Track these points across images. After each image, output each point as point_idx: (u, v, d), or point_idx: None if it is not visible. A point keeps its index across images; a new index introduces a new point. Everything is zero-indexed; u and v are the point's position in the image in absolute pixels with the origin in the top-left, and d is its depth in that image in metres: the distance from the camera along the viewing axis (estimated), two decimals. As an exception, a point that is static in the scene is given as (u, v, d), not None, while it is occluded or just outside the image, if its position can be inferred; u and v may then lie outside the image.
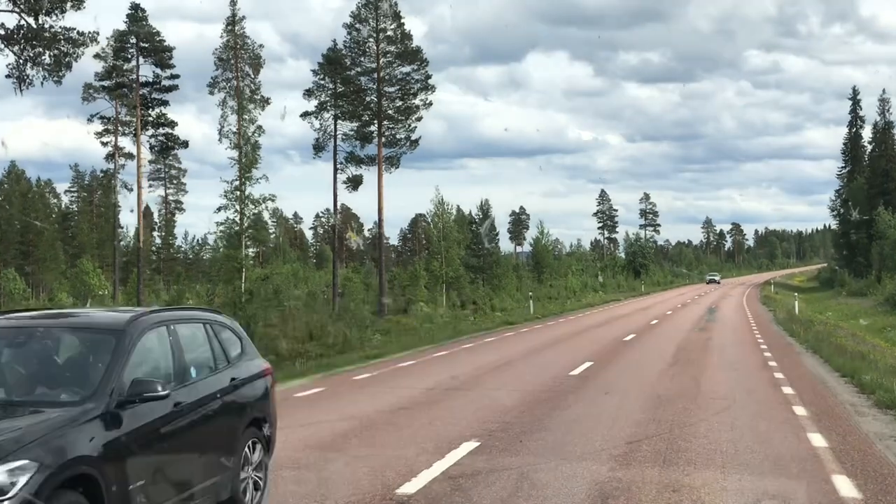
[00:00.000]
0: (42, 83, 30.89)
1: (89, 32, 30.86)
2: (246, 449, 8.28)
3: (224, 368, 8.34)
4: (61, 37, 30.38)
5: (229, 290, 40.33)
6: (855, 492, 9.00)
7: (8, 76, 30.50)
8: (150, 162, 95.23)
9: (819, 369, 21.48)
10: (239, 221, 39.96)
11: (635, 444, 11.50)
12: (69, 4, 30.16)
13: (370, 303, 56.24)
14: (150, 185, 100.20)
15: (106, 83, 52.85)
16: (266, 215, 42.07)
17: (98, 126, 55.15)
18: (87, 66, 62.26)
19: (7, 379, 6.93)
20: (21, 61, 30.52)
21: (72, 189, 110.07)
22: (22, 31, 30.28)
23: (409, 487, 8.90)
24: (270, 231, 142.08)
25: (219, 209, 40.06)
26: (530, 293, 62.55)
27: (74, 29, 30.51)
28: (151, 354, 7.38)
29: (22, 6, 30.06)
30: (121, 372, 6.60)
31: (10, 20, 30.18)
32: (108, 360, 6.74)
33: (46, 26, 30.30)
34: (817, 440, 11.85)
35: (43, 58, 30.72)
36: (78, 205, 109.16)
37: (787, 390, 17.18)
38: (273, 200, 41.59)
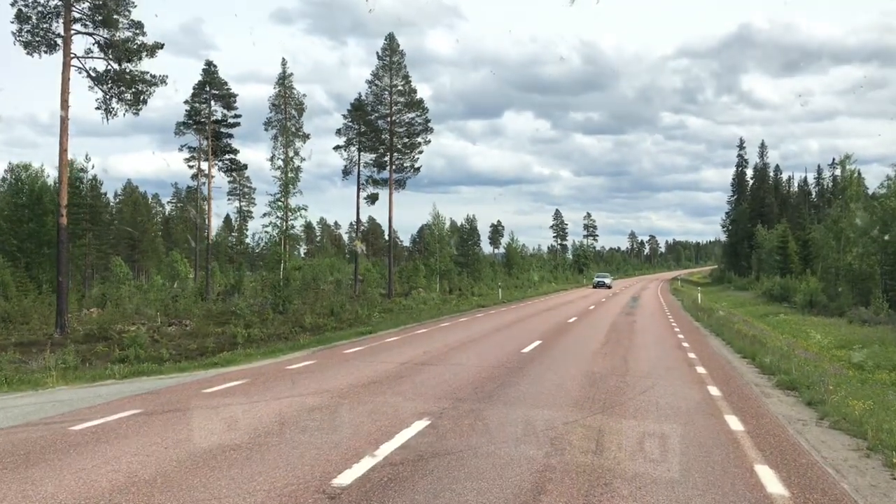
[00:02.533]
0: (124, 114, 28.59)
1: (160, 75, 28.50)
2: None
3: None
4: (138, 78, 28.01)
5: (272, 276, 38.32)
6: (781, 488, 6.53)
7: (97, 108, 28.25)
8: (229, 182, 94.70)
9: (723, 350, 18.93)
10: (279, 225, 37.80)
11: (571, 423, 9.00)
12: (144, 54, 27.82)
13: (382, 288, 54.08)
14: (229, 199, 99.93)
15: (189, 121, 51.16)
16: (301, 221, 39.64)
17: (186, 154, 53.63)
18: (180, 108, 60.59)
19: None
20: (108, 97, 28.21)
21: (172, 201, 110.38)
22: (109, 74, 27.99)
23: (347, 477, 6.37)
24: (315, 234, 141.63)
25: (264, 215, 38.38)
26: (499, 283, 60.16)
27: (148, 72, 28.18)
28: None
29: (110, 55, 27.76)
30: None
31: (101, 65, 28.04)
32: None
33: (127, 70, 27.96)
34: (734, 423, 9.35)
35: (125, 95, 28.40)
36: (175, 212, 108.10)
37: (701, 370, 14.63)
38: (306, 209, 39.61)
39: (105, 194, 70.80)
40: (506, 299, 47.44)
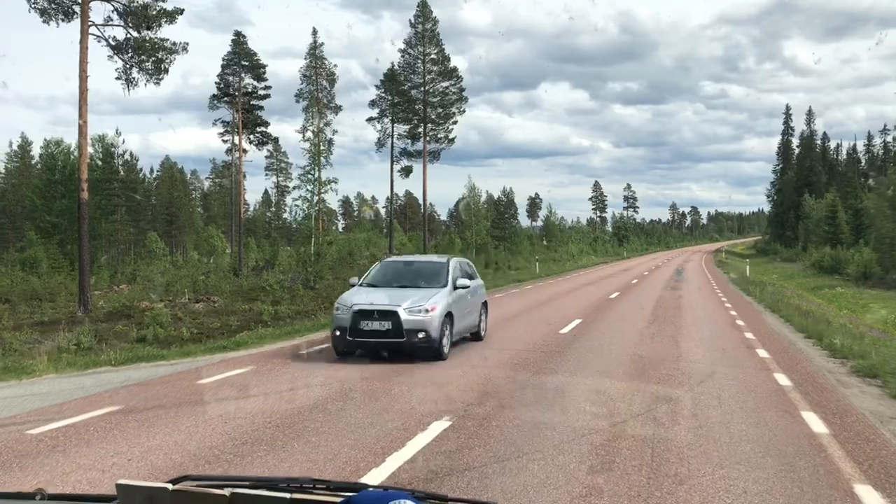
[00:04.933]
0: (146, 84, 27.38)
1: (180, 42, 27.23)
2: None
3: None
4: (158, 46, 26.79)
5: (301, 251, 37.24)
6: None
7: (117, 79, 27.20)
8: (266, 157, 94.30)
9: (783, 329, 17.12)
10: (309, 198, 36.58)
11: (619, 426, 7.50)
12: (164, 20, 26.56)
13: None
14: (266, 174, 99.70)
15: (221, 94, 50.01)
16: (332, 195, 38.47)
17: (220, 128, 52.58)
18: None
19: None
20: (128, 67, 27.09)
21: (209, 176, 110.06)
22: (128, 43, 26.83)
23: None
24: (353, 209, 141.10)
25: (294, 188, 37.07)
26: (536, 257, 58.43)
27: (168, 39, 26.93)
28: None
29: (129, 22, 26.58)
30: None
31: (120, 33, 26.83)
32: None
33: (147, 38, 26.77)
34: (815, 423, 7.75)
35: (146, 64, 27.24)
36: (213, 187, 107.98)
37: (762, 353, 12.93)
38: (336, 182, 38.25)
39: (141, 170, 70.49)
40: (544, 273, 45.75)
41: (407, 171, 51.90)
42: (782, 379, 10.39)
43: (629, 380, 10.13)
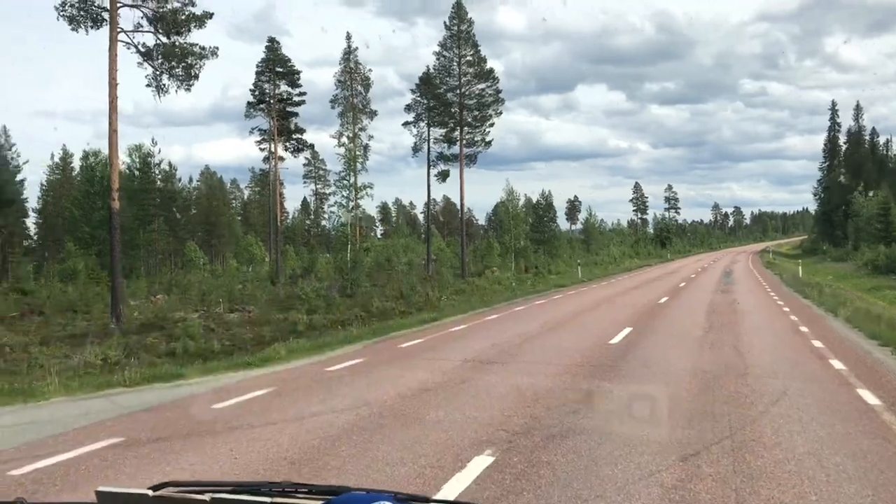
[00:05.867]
0: (176, 91, 26.85)
1: (210, 47, 26.62)
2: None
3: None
4: (188, 51, 26.19)
5: (338, 258, 36.49)
6: None
7: (148, 85, 26.70)
8: (304, 165, 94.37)
9: (852, 335, 15.66)
10: (345, 204, 35.82)
11: (691, 460, 6.36)
12: (193, 24, 25.96)
13: (455, 268, 51.78)
14: (304, 182, 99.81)
15: (257, 102, 49.57)
16: (368, 201, 37.61)
17: (257, 136, 52.14)
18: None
19: None
20: (158, 73, 26.53)
21: (249, 185, 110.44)
22: (158, 49, 26.28)
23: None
24: (391, 215, 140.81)
25: (330, 194, 36.30)
26: (578, 260, 56.98)
27: (197, 44, 26.32)
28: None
29: (159, 28, 26.04)
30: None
31: (149, 40, 26.27)
32: None
33: (177, 43, 26.20)
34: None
35: (176, 70, 26.67)
36: (252, 196, 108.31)
37: (837, 365, 11.60)
38: (372, 188, 37.48)
39: (180, 179, 70.62)
40: (586, 277, 44.34)
41: (444, 176, 50.91)
42: (868, 396, 9.10)
43: (694, 400, 8.94)
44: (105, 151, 52.76)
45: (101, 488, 1.79)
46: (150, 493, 1.77)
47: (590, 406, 8.57)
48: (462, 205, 50.83)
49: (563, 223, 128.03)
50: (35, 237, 65.74)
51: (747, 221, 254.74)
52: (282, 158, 52.55)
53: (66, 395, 9.87)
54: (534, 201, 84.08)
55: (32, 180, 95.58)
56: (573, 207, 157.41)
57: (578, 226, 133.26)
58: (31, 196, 65.06)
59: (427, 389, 9.52)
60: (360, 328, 17.90)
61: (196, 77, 26.72)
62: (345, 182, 36.28)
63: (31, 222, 65.84)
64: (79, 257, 42.25)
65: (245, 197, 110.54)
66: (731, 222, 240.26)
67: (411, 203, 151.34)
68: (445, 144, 50.56)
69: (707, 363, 11.75)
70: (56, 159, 68.11)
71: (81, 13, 24.64)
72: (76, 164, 66.09)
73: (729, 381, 10.11)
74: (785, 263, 61.47)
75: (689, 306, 23.05)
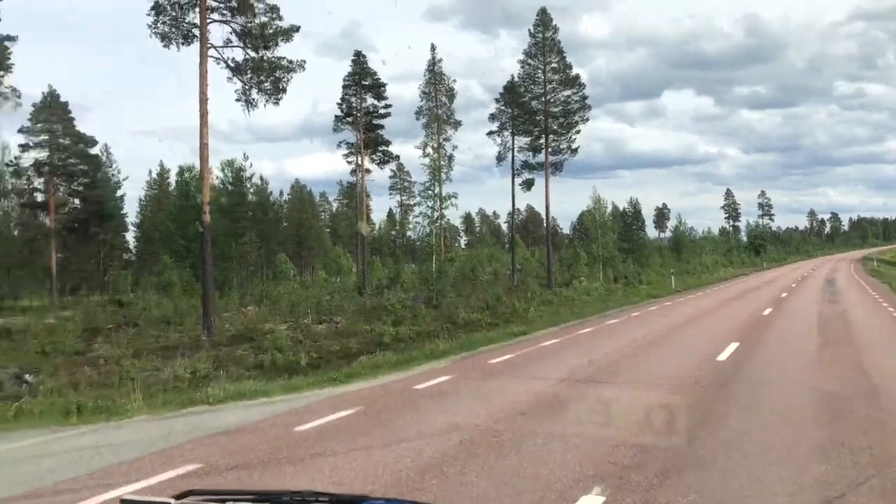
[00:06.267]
0: (265, 105, 27.00)
1: (297, 60, 26.66)
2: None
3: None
4: (276, 65, 26.29)
5: (423, 269, 36.10)
6: None
7: (237, 100, 26.92)
8: (390, 177, 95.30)
9: None
10: (430, 214, 35.41)
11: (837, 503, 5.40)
12: (281, 38, 26.04)
13: (541, 278, 50.71)
14: (390, 194, 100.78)
15: (344, 116, 50.03)
16: (453, 211, 37.11)
17: (344, 150, 52.62)
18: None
19: None
20: (247, 88, 26.74)
21: (337, 198, 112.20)
22: (247, 63, 26.48)
23: None
24: (475, 225, 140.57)
25: (415, 205, 36.05)
26: (672, 270, 54.98)
27: (285, 58, 26.39)
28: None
29: (247, 43, 26.25)
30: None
31: (239, 55, 26.49)
32: None
33: (265, 57, 26.34)
34: None
35: (264, 84, 26.82)
36: (340, 208, 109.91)
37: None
38: (456, 197, 37.03)
39: (271, 193, 71.97)
40: (680, 288, 42.57)
41: (528, 184, 50.12)
42: None
43: (823, 428, 7.88)
44: (198, 166, 54.34)
45: (125, 496, 1.76)
46: (174, 501, 1.76)
47: (704, 434, 7.63)
48: (547, 213, 49.86)
49: (650, 231, 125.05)
50: (134, 250, 68.16)
51: (845, 228, 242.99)
52: (368, 171, 52.84)
53: (149, 414, 9.55)
54: (620, 209, 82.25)
55: (131, 196, 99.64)
56: (661, 215, 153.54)
57: (667, 234, 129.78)
58: (131, 211, 67.55)
59: (522, 412, 8.75)
60: (447, 341, 17.22)
61: (284, 91, 26.81)
62: (429, 192, 35.89)
63: (130, 236, 68.34)
64: (174, 270, 43.26)
65: (333, 209, 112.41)
66: (827, 229, 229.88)
67: (495, 213, 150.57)
68: (530, 153, 49.81)
69: (829, 383, 10.56)
70: (154, 175, 70.66)
71: (173, 30, 25.04)
72: (172, 179, 68.36)
73: (859, 405, 8.97)
74: (892, 271, 57.72)
75: (796, 318, 21.47)
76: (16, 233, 54.84)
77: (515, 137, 49.66)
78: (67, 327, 25.04)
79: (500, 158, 50.56)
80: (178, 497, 1.80)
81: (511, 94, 49.69)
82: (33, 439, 8.20)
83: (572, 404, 9.28)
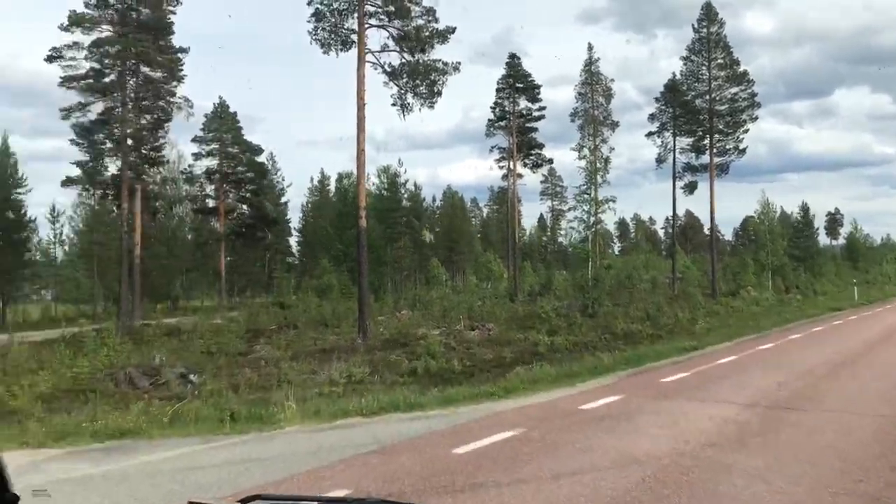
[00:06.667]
0: (420, 109, 26.77)
1: (452, 62, 26.24)
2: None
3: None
4: (431, 67, 26.01)
5: (579, 275, 34.78)
6: None
7: (393, 104, 26.85)
8: (541, 182, 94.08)
9: None
10: (586, 219, 34.03)
11: None
12: (437, 40, 25.74)
13: (703, 287, 47.86)
14: (541, 199, 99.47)
15: (497, 120, 49.53)
16: (610, 215, 35.49)
17: (496, 154, 52.12)
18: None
19: None
20: (402, 92, 26.65)
21: (488, 204, 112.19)
22: (403, 67, 26.40)
23: None
24: (629, 231, 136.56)
25: (569, 209, 34.74)
26: (853, 280, 50.34)
27: (440, 60, 26.05)
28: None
29: (404, 47, 26.16)
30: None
31: (395, 59, 26.47)
32: None
33: (421, 61, 26.14)
34: None
35: (419, 88, 26.63)
36: (491, 214, 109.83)
37: None
38: (614, 201, 35.42)
39: (424, 199, 72.75)
40: (863, 300, 38.68)
41: (691, 187, 47.47)
42: None
43: None
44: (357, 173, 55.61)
45: (192, 499, 1.88)
46: None
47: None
48: (712, 217, 46.94)
49: (821, 238, 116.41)
50: (296, 254, 70.81)
51: None
52: (520, 175, 52.03)
53: (301, 425, 9.11)
54: (789, 214, 76.81)
55: (295, 203, 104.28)
56: (834, 221, 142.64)
57: (840, 241, 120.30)
58: (294, 217, 70.23)
59: (713, 444, 7.52)
60: (610, 355, 16.01)
61: (439, 94, 26.49)
62: (585, 196, 34.54)
63: (293, 241, 71.06)
64: (332, 273, 44.29)
65: (484, 215, 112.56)
66: None
67: (651, 218, 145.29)
68: (693, 154, 47.19)
69: None
70: (315, 182, 73.25)
71: (332, 36, 25.32)
72: (332, 186, 70.52)
73: None
74: None
75: None
76: (190, 237, 58.28)
77: (677, 138, 47.21)
78: (231, 328, 25.81)
79: (659, 160, 48.22)
80: (243, 501, 1.78)
81: (672, 92, 47.31)
82: (185, 448, 7.92)
83: (770, 436, 7.93)
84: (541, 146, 48.44)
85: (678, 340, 19.57)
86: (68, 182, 33.64)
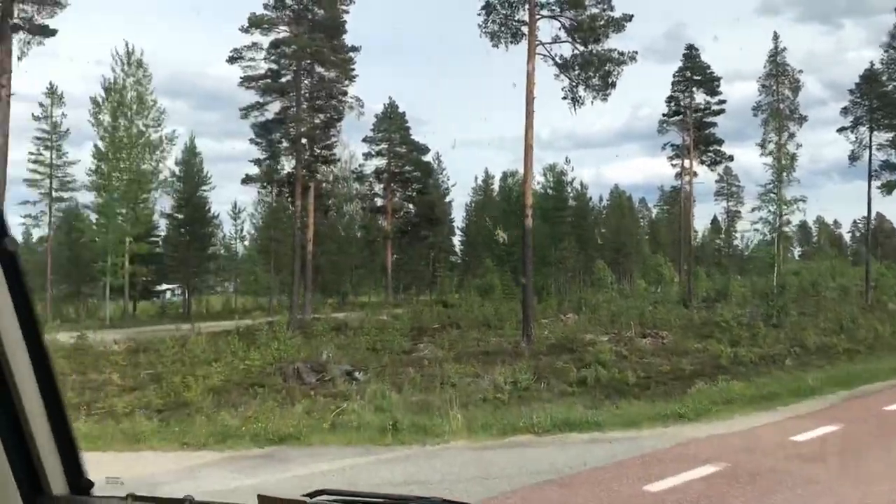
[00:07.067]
0: (592, 102, 25.50)
1: (628, 52, 24.69)
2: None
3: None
4: (605, 58, 24.62)
5: (761, 282, 32.04)
6: None
7: (564, 98, 25.72)
8: (716, 181, 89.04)
9: None
10: (771, 221, 31.24)
11: None
12: (611, 29, 24.33)
13: (901, 298, 43.02)
14: (716, 200, 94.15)
15: (671, 115, 46.99)
16: (798, 216, 32.37)
17: (669, 152, 49.52)
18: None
19: None
20: (574, 85, 25.45)
21: (657, 204, 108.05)
22: (576, 59, 25.20)
23: None
24: (811, 235, 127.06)
25: (753, 210, 32.02)
26: None
27: (615, 50, 24.59)
28: None
29: (576, 38, 24.97)
30: None
31: (566, 51, 25.32)
32: None
33: (594, 51, 24.82)
34: None
35: (592, 80, 25.31)
36: (660, 214, 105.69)
37: None
38: (804, 201, 32.30)
39: (590, 199, 70.78)
40: None
41: (890, 187, 42.74)
42: None
43: None
44: (521, 172, 54.74)
45: (261, 493, 1.74)
46: (308, 500, 1.76)
47: None
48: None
49: None
50: (459, 253, 71.00)
51: None
52: (695, 173, 49.10)
53: (467, 439, 8.28)
54: None
55: (458, 202, 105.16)
56: None
57: None
58: (457, 216, 70.47)
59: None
60: (808, 372, 14.09)
61: (613, 86, 25.05)
62: (771, 195, 31.71)
63: (456, 240, 71.31)
64: (495, 273, 43.70)
65: (652, 216, 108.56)
66: None
67: (836, 221, 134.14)
68: (893, 151, 42.48)
69: None
70: (479, 182, 73.17)
71: (502, 28, 24.55)
72: (496, 185, 70.12)
73: None
74: None
75: None
76: (359, 235, 59.81)
77: (874, 133, 42.67)
78: (396, 326, 25.71)
79: (853, 158, 43.77)
80: (311, 495, 1.74)
81: (870, 84, 42.81)
82: (344, 461, 7.33)
83: None
84: (720, 142, 45.42)
85: (884, 358, 17.11)
86: (247, 180, 35.16)
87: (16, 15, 20.19)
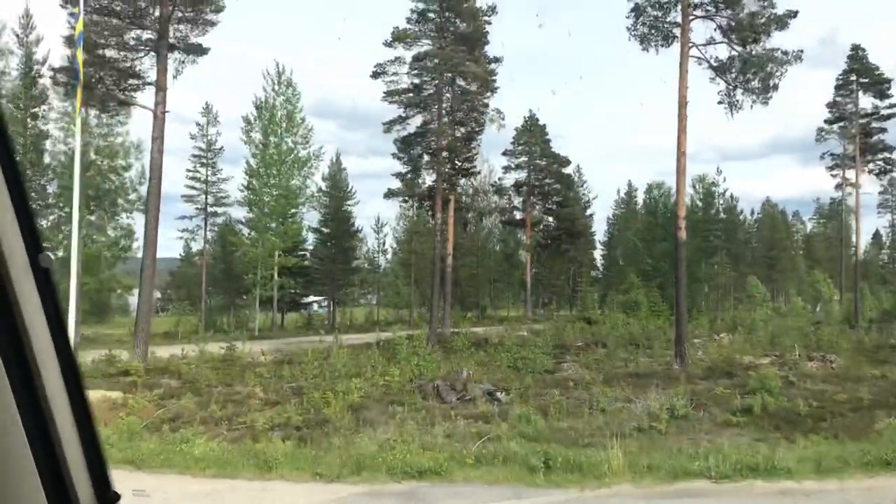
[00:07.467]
0: (751, 106, 23.58)
1: (793, 51, 22.54)
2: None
3: None
4: (767, 58, 22.59)
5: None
6: None
7: (720, 102, 23.90)
8: (879, 192, 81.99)
9: None
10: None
11: None
12: (773, 27, 22.28)
13: None
14: (879, 212, 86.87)
15: (832, 121, 43.26)
16: None
17: (828, 161, 45.72)
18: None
19: None
20: (731, 88, 23.61)
21: (813, 217, 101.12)
22: (732, 61, 23.35)
23: None
24: None
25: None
26: None
27: (778, 49, 22.52)
28: None
29: (733, 39, 23.13)
30: None
31: (721, 53, 23.54)
32: None
33: (753, 52, 22.86)
34: None
35: (752, 83, 23.35)
36: (816, 228, 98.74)
37: None
38: None
39: (741, 212, 66.89)
40: None
41: None
42: None
43: None
44: (667, 183, 52.15)
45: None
46: None
47: None
48: None
49: None
50: (600, 268, 68.89)
51: None
52: (850, 183, 45.05)
53: (631, 483, 7.17)
54: None
55: (600, 216, 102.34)
56: None
57: None
58: (599, 230, 68.48)
59: None
60: None
61: (775, 88, 23.01)
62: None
63: (597, 254, 69.26)
64: (640, 289, 41.66)
65: (807, 230, 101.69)
66: None
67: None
68: None
69: None
70: (621, 194, 70.80)
71: (652, 31, 23.09)
72: (640, 199, 67.56)
73: None
74: None
75: None
76: (497, 248, 59.11)
77: None
78: (537, 342, 24.62)
79: None
80: None
81: None
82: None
83: None
84: (890, 149, 41.32)
85: None
86: (390, 194, 35.14)
87: (171, 34, 20.83)
